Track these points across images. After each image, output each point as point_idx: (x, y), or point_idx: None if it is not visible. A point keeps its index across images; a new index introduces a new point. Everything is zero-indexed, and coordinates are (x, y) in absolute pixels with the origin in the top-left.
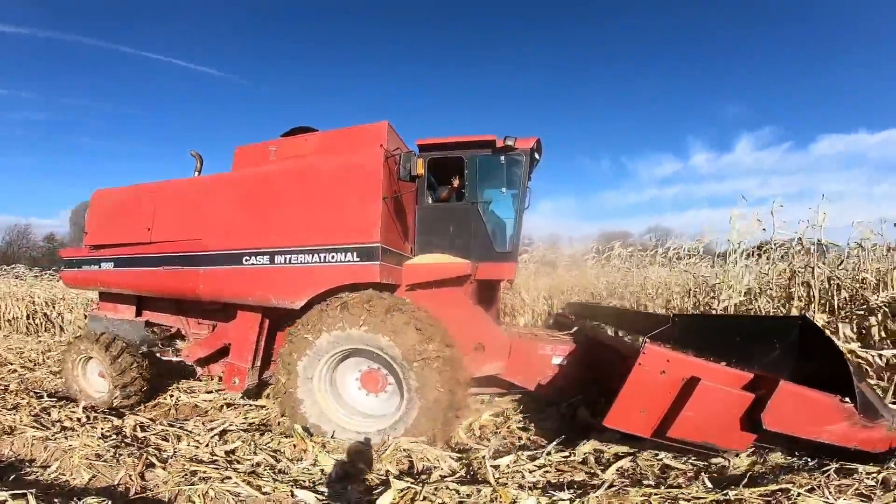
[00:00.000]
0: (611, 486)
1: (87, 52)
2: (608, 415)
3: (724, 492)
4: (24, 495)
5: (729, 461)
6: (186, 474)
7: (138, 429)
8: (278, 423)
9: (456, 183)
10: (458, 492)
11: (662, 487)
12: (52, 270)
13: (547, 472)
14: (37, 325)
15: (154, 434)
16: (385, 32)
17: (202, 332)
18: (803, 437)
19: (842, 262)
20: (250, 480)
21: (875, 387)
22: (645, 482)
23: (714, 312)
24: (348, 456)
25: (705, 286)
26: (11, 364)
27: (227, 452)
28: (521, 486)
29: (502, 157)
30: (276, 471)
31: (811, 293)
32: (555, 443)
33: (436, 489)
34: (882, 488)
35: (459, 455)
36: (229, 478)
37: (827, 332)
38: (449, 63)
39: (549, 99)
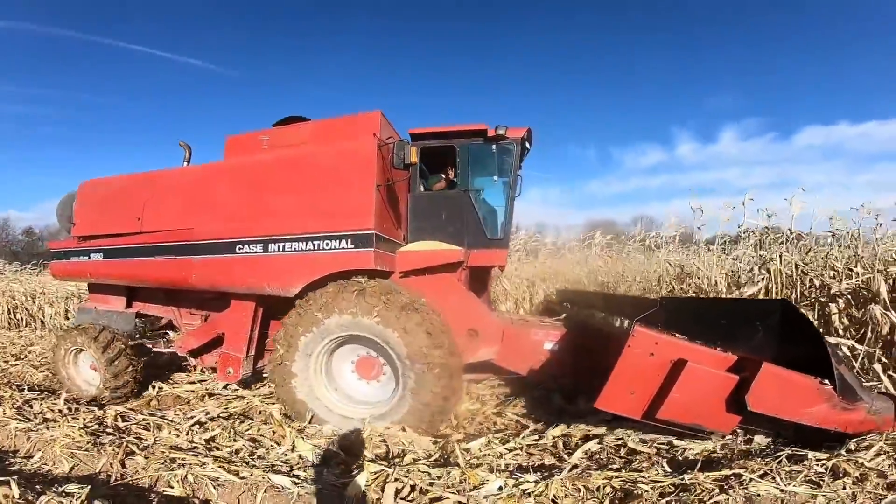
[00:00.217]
0: (575, 468)
1: (66, 43)
2: (599, 397)
3: (682, 476)
4: (7, 482)
5: (689, 446)
6: (166, 461)
7: (119, 419)
8: (259, 413)
9: (451, 174)
10: (429, 474)
11: (624, 471)
12: (31, 264)
13: (517, 455)
14: (17, 319)
15: (135, 424)
16: (376, 24)
17: (194, 322)
18: (786, 419)
19: (809, 249)
20: (228, 466)
21: None
22: (611, 465)
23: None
24: (326, 442)
25: (681, 273)
26: None
27: (206, 440)
28: (491, 469)
29: (494, 146)
30: (255, 457)
31: (780, 279)
32: (529, 430)
33: (407, 471)
34: (831, 476)
35: (434, 439)
36: (207, 464)
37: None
38: (440, 55)
39: (539, 90)
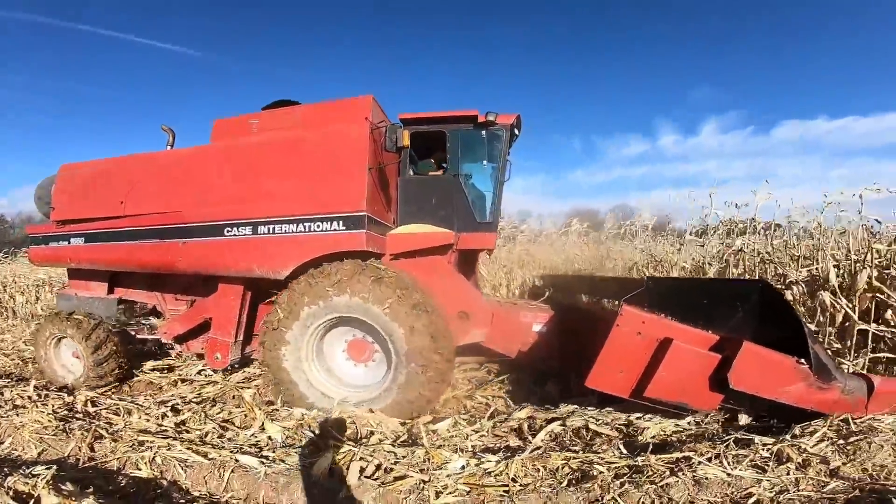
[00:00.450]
0: (537, 449)
1: (37, 28)
2: (589, 376)
3: (635, 458)
4: None
5: (644, 428)
6: (134, 444)
7: (89, 404)
8: (233, 398)
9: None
10: (394, 453)
11: (582, 452)
12: (2, 253)
13: (483, 437)
14: None
15: (105, 409)
16: (366, 11)
17: (180, 307)
18: (766, 398)
19: (773, 239)
20: (197, 448)
21: None
22: (571, 447)
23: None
24: (295, 424)
25: (653, 261)
26: None
27: (176, 424)
28: (455, 450)
29: (483, 132)
30: (225, 439)
31: (744, 266)
32: (492, 410)
33: (373, 451)
34: (776, 461)
35: (402, 421)
36: (175, 446)
37: None
38: (429, 44)
39: (526, 80)
